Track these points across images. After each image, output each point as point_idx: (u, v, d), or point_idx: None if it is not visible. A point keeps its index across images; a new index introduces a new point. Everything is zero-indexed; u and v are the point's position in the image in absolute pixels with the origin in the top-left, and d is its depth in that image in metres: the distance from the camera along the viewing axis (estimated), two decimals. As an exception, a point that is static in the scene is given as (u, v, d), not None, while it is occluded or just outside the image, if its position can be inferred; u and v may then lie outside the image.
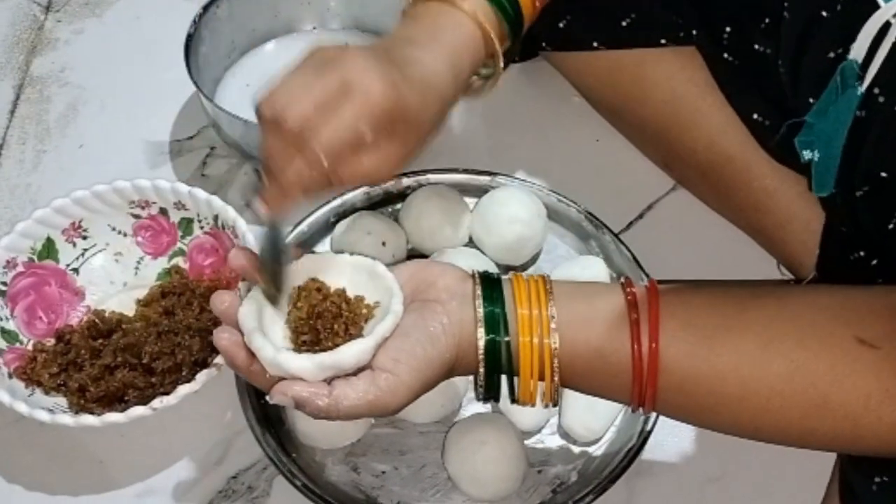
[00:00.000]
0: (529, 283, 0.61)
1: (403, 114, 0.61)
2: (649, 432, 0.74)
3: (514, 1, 0.70)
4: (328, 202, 0.88)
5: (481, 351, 0.59)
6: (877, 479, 0.59)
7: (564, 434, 0.77)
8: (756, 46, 0.78)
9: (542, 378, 0.60)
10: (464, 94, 0.70)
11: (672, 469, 0.76)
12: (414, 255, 0.86)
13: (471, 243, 0.87)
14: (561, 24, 0.87)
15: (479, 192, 0.89)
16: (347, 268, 0.63)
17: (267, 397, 0.58)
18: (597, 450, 0.76)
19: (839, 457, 0.66)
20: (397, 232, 0.85)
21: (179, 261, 0.84)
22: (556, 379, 0.59)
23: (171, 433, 0.78)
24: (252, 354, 0.58)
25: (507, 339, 0.59)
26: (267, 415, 0.76)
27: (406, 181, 0.90)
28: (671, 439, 0.77)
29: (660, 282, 0.62)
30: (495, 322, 0.59)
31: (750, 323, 0.57)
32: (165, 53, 0.95)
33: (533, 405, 0.62)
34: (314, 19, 1.02)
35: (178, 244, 0.84)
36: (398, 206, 0.89)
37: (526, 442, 0.75)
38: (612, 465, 0.73)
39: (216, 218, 0.82)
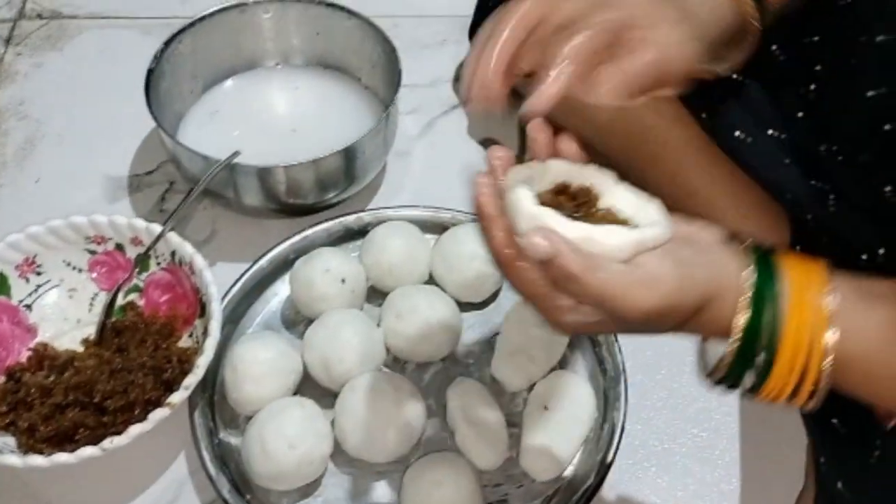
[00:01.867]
0: (807, 262, 0.54)
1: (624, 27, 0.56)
2: (607, 470, 0.74)
3: None
4: (287, 239, 0.88)
5: (740, 330, 0.52)
6: None
7: (522, 473, 0.76)
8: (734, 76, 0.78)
9: (801, 377, 0.53)
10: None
11: (630, 508, 0.76)
12: (374, 291, 0.86)
13: (431, 280, 0.87)
14: None
15: (440, 229, 0.89)
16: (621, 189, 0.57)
17: (520, 239, 0.51)
18: (554, 489, 0.76)
19: (818, 499, 0.66)
20: (356, 269, 0.84)
21: (135, 297, 0.83)
22: (823, 374, 0.53)
23: (123, 473, 0.76)
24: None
25: (771, 322, 0.52)
26: (221, 455, 0.75)
27: (367, 218, 0.90)
28: (629, 476, 0.77)
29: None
30: (764, 299, 0.52)
31: None
32: (126, 88, 0.94)
33: (777, 402, 0.54)
34: (277, 55, 1.02)
35: (135, 280, 0.83)
36: (359, 242, 0.89)
37: (483, 481, 0.75)
38: (569, 505, 0.73)
39: (173, 254, 0.81)
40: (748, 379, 0.54)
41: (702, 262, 0.53)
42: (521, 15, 0.55)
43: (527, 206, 0.51)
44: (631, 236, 0.51)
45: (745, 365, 0.54)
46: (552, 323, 0.54)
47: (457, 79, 1.06)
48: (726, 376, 0.54)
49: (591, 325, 0.53)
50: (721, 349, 0.54)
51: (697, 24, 0.59)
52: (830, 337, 0.52)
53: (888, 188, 0.70)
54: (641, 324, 0.52)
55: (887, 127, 0.69)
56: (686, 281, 0.51)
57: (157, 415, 0.70)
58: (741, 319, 0.52)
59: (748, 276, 0.52)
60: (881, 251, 0.70)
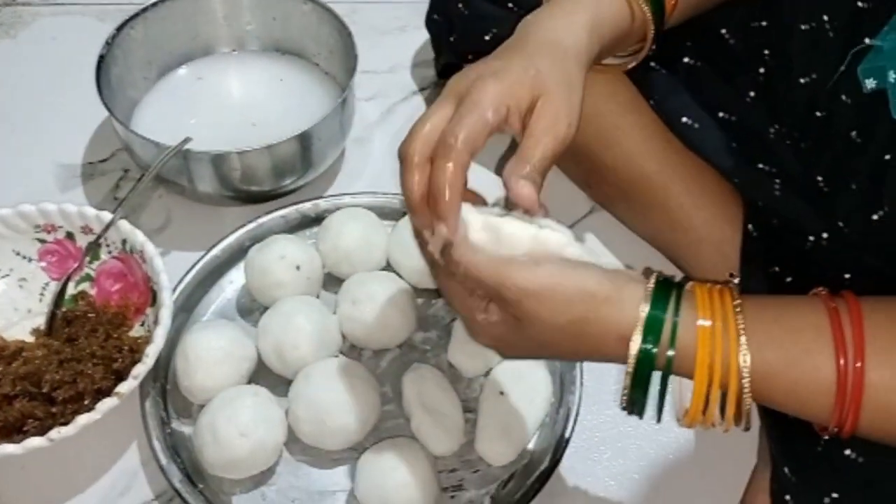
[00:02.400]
0: (713, 291, 0.56)
1: (522, 90, 0.58)
2: (562, 453, 0.74)
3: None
4: (243, 226, 0.87)
5: (633, 358, 0.54)
6: (826, 500, 0.59)
7: (478, 458, 0.76)
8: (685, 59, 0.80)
9: (723, 399, 0.55)
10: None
11: (583, 492, 0.76)
12: (331, 278, 0.86)
13: (388, 267, 0.86)
14: (487, 37, 0.88)
15: (397, 215, 0.88)
16: None
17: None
18: (510, 474, 0.75)
19: (773, 481, 0.66)
20: (312, 255, 0.84)
21: (86, 286, 0.82)
22: (745, 396, 0.54)
23: (73, 464, 0.75)
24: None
25: (670, 353, 0.54)
26: (174, 445, 0.75)
27: (323, 205, 0.89)
28: (582, 463, 0.77)
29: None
30: (658, 330, 0.54)
31: None
32: (80, 75, 0.93)
33: (705, 428, 0.56)
34: (233, 42, 1.01)
35: (86, 269, 0.82)
36: (315, 229, 0.88)
37: (439, 467, 0.75)
38: (524, 489, 0.73)
39: (124, 242, 0.80)
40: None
41: (594, 269, 0.55)
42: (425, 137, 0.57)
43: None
44: (528, 229, 0.55)
45: (644, 391, 0.56)
46: (470, 329, 0.58)
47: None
48: (631, 402, 0.56)
49: (500, 325, 0.56)
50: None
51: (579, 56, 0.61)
52: (743, 359, 0.53)
53: (820, 178, 0.70)
54: (527, 311, 0.54)
55: (818, 114, 0.69)
56: (570, 272, 0.54)
57: (106, 405, 0.70)
58: (634, 347, 0.54)
59: (646, 303, 0.54)
60: (825, 235, 0.70)
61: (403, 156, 0.57)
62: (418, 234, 0.59)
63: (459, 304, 0.58)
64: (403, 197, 0.58)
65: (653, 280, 0.56)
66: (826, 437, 0.57)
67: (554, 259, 0.55)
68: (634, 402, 0.57)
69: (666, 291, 0.56)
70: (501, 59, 0.60)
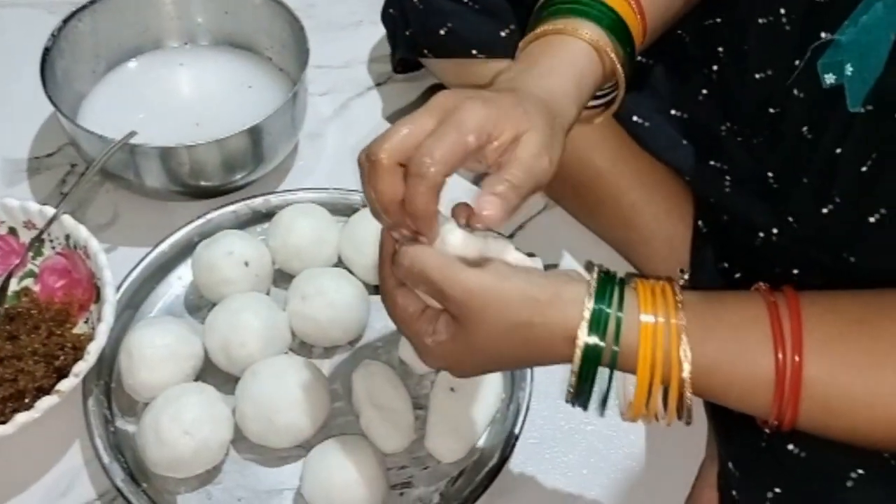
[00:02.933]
0: (655, 287, 0.57)
1: (506, 122, 0.57)
2: (510, 451, 0.74)
3: (625, 27, 0.67)
4: (191, 222, 0.85)
5: (578, 354, 0.55)
6: (769, 495, 0.59)
7: (428, 455, 0.75)
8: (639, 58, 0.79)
9: (665, 393, 0.56)
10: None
11: (533, 487, 0.75)
12: (282, 275, 0.85)
13: (340, 263, 0.85)
14: (442, 31, 0.87)
15: (349, 211, 0.87)
16: None
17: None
18: (460, 470, 0.75)
19: (720, 476, 0.67)
20: (261, 252, 0.83)
21: (30, 283, 0.80)
22: (685, 392, 0.55)
23: (14, 464, 0.74)
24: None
25: (614, 348, 0.55)
26: (118, 443, 0.73)
27: (274, 200, 0.88)
28: (532, 458, 0.77)
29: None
30: (602, 324, 0.55)
31: None
32: (27, 68, 0.91)
33: (648, 422, 0.58)
34: (183, 35, 0.99)
35: (29, 265, 0.81)
36: (266, 225, 0.87)
37: (388, 464, 0.74)
38: (474, 485, 0.72)
39: (68, 238, 0.79)
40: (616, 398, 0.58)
41: (537, 276, 0.56)
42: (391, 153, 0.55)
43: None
44: (475, 239, 0.56)
45: (590, 385, 0.57)
46: (419, 351, 0.59)
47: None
48: (577, 396, 0.58)
49: (449, 343, 0.57)
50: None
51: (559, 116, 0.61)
52: (684, 354, 0.54)
53: (770, 174, 0.70)
54: (470, 313, 0.55)
55: (772, 110, 0.69)
56: (512, 278, 0.55)
57: (45, 403, 0.68)
58: (580, 342, 0.55)
59: (589, 300, 0.55)
60: (775, 230, 0.70)
61: (374, 157, 0.55)
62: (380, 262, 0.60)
63: (408, 328, 0.59)
64: (366, 197, 0.57)
65: (595, 275, 0.57)
66: (768, 432, 0.57)
67: (498, 262, 0.56)
68: (579, 395, 0.58)
69: (609, 286, 0.56)
70: (492, 91, 0.59)
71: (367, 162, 0.56)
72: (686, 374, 0.55)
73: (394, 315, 0.60)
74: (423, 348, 0.59)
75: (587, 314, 0.55)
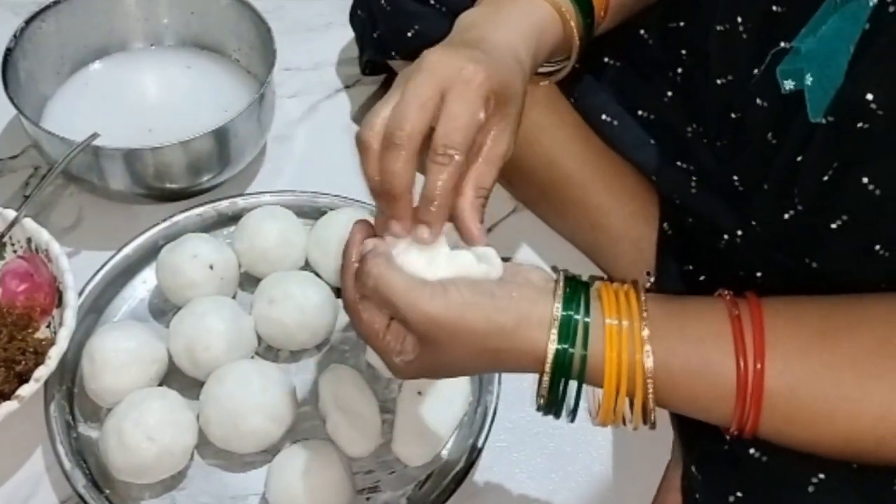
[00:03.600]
0: (619, 292, 0.57)
1: (502, 85, 0.58)
2: (478, 455, 0.74)
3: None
4: (156, 225, 0.85)
5: (549, 360, 0.55)
6: (731, 499, 0.59)
7: (395, 459, 0.75)
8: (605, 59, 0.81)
9: (630, 398, 0.56)
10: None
11: (501, 491, 0.75)
12: (249, 278, 0.84)
13: (307, 266, 0.85)
14: (409, 34, 0.87)
15: (317, 214, 0.87)
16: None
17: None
18: (427, 474, 0.75)
19: (683, 479, 0.67)
20: (226, 255, 0.82)
21: (-9, 287, 0.79)
22: (649, 399, 0.55)
23: (-27, 471, 0.73)
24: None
25: (583, 353, 0.55)
26: (80, 449, 0.73)
27: (241, 203, 0.88)
28: (499, 462, 0.76)
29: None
30: (572, 329, 0.55)
31: (862, 349, 0.55)
32: (-12, 69, 0.90)
33: (616, 426, 0.58)
34: (149, 36, 0.98)
35: (-10, 269, 0.80)
36: (233, 228, 0.86)
37: (355, 468, 0.74)
38: (440, 489, 0.72)
39: (29, 241, 0.78)
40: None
41: (502, 294, 0.56)
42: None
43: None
44: (421, 252, 0.57)
45: (560, 392, 0.57)
46: (388, 366, 0.59)
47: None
48: (547, 404, 0.58)
49: (416, 363, 0.57)
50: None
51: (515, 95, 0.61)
52: (648, 362, 0.55)
53: (735, 177, 0.71)
54: (434, 338, 0.55)
55: (733, 115, 0.70)
56: (473, 304, 0.55)
57: (5, 408, 0.67)
58: (551, 350, 0.55)
59: (557, 309, 0.56)
60: (739, 233, 0.71)
61: (363, 141, 0.57)
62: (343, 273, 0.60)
63: (374, 343, 0.59)
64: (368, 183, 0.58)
65: (562, 283, 0.57)
66: (729, 438, 0.58)
67: (463, 284, 0.56)
68: (551, 404, 0.58)
69: (576, 292, 0.57)
70: (479, 49, 0.60)
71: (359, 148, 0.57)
72: (650, 382, 0.55)
73: (358, 329, 0.59)
74: (392, 365, 0.59)
75: (557, 317, 0.55)
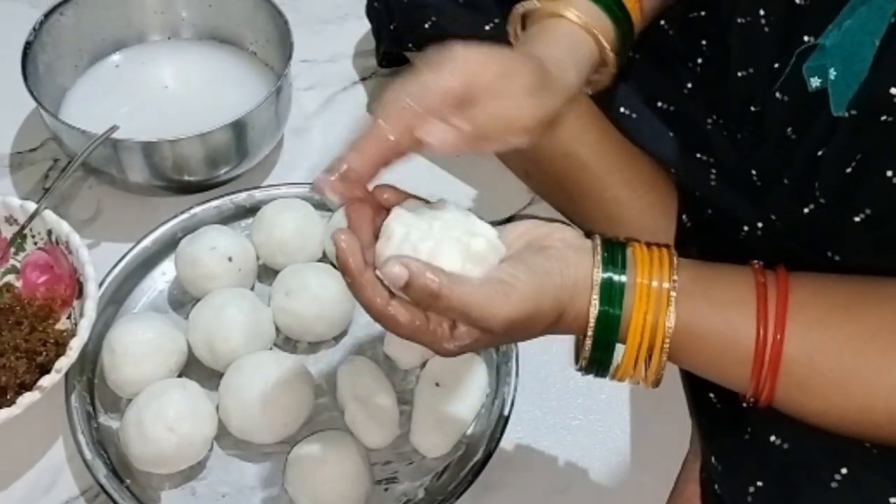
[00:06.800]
0: (653, 253, 0.58)
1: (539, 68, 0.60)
2: (497, 444, 0.74)
3: (622, 6, 0.69)
4: (175, 217, 0.85)
5: (592, 321, 0.57)
6: (751, 489, 0.59)
7: (413, 450, 0.75)
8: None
9: (650, 356, 0.57)
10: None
11: (518, 482, 0.75)
12: (266, 270, 0.84)
13: (324, 258, 0.85)
14: (426, 25, 0.87)
15: (334, 206, 0.87)
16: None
17: (379, 270, 0.55)
18: (444, 466, 0.75)
19: (702, 470, 0.67)
20: (245, 246, 0.82)
21: (12, 278, 0.80)
22: (663, 358, 0.57)
23: (-3, 460, 0.74)
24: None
25: (619, 312, 0.57)
26: (101, 440, 0.73)
27: (258, 195, 0.88)
28: (517, 453, 0.77)
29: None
30: (613, 291, 0.57)
31: (885, 324, 0.55)
32: (9, 62, 0.90)
33: (634, 382, 0.60)
34: (167, 29, 0.99)
35: (11, 261, 0.80)
36: (251, 220, 0.87)
37: (373, 459, 0.74)
38: (458, 480, 0.72)
39: (50, 233, 0.78)
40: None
41: (553, 269, 0.56)
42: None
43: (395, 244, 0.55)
44: (454, 245, 0.55)
45: (603, 353, 0.58)
46: (437, 352, 0.57)
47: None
48: (590, 364, 0.59)
49: (471, 345, 0.56)
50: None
51: (555, 87, 0.62)
52: (670, 318, 0.56)
53: (754, 171, 0.70)
54: (508, 331, 0.56)
55: (753, 108, 0.69)
56: (539, 288, 0.56)
57: (27, 399, 0.68)
58: (593, 313, 0.57)
59: (597, 273, 0.57)
60: (760, 225, 0.70)
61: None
62: (355, 281, 0.57)
63: (421, 338, 0.57)
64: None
65: (600, 246, 0.58)
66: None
67: (519, 270, 0.56)
68: (592, 363, 0.59)
69: (613, 255, 0.58)
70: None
71: None
72: (666, 341, 0.56)
73: (399, 330, 0.57)
74: (443, 351, 0.57)
75: (596, 287, 0.57)
